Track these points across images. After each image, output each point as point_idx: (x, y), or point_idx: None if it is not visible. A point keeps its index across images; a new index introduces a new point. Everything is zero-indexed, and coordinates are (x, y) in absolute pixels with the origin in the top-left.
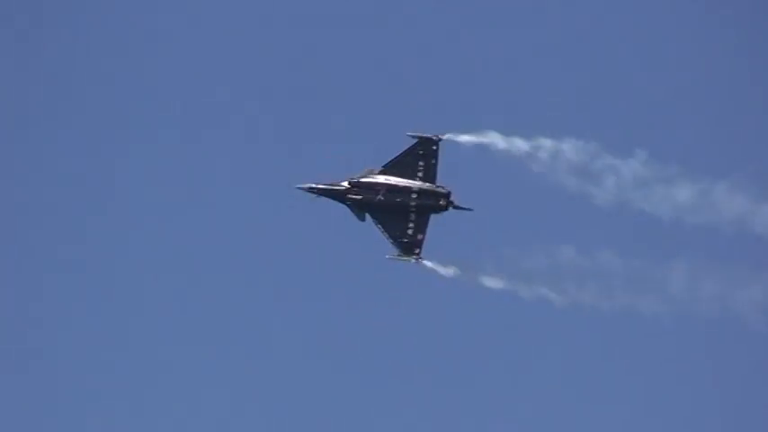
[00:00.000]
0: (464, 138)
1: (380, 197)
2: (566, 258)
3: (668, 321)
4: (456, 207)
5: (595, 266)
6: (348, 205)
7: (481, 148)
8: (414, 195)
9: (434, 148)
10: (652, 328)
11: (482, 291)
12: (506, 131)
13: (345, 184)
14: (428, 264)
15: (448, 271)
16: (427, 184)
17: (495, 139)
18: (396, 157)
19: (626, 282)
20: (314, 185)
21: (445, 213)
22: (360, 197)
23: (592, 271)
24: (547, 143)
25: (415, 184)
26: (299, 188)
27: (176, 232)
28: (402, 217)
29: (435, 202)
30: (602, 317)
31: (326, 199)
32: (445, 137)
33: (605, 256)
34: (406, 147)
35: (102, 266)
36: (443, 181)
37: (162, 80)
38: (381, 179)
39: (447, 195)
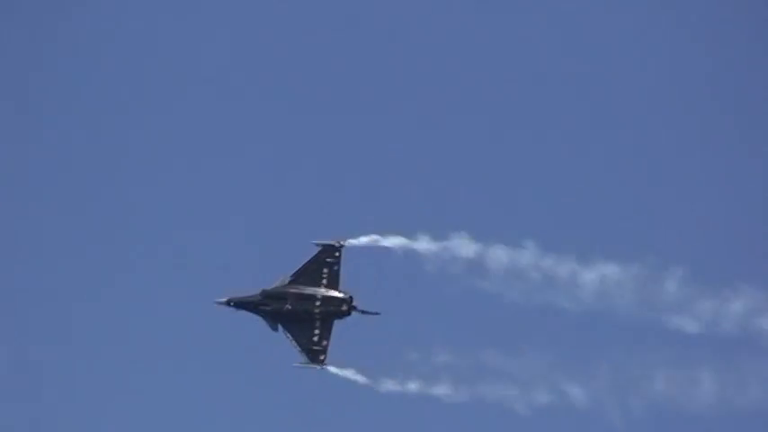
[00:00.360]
0: (364, 240)
1: (288, 306)
2: (473, 358)
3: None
4: (362, 311)
5: (500, 365)
6: (262, 316)
7: (384, 251)
8: (317, 302)
9: (337, 254)
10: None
11: (387, 394)
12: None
13: (258, 295)
14: (333, 370)
15: (354, 376)
16: (330, 290)
17: (395, 242)
18: (303, 265)
19: (532, 377)
20: (230, 299)
21: (354, 318)
22: (270, 307)
23: (499, 370)
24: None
25: (319, 291)
26: (217, 302)
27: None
28: (308, 324)
29: (338, 307)
30: (513, 415)
31: (243, 311)
32: (346, 242)
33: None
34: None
35: None
36: (351, 286)
37: None
38: (291, 288)
39: (349, 301)
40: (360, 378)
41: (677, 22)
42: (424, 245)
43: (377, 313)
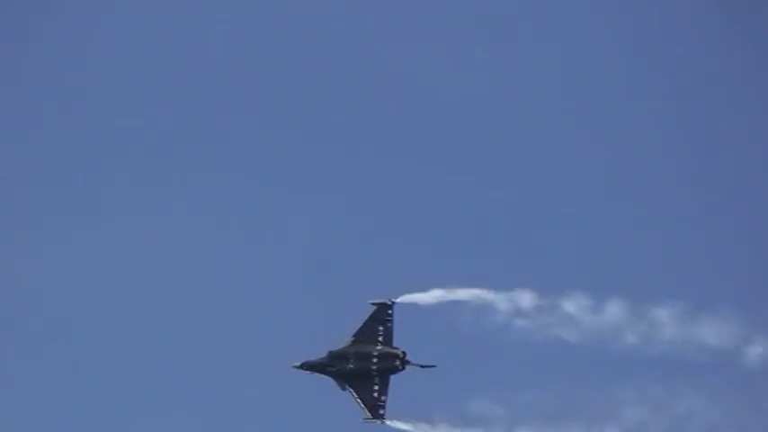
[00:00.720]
0: (417, 297)
1: (350, 365)
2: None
3: None
4: (419, 365)
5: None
6: (330, 376)
7: (437, 305)
8: (374, 360)
9: (389, 311)
10: None
11: None
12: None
13: (326, 357)
14: (394, 423)
15: (415, 428)
16: (385, 347)
17: (442, 295)
18: (362, 324)
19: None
20: (303, 363)
21: (410, 372)
22: (335, 368)
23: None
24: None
25: (376, 348)
26: (294, 366)
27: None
28: (368, 381)
29: (392, 363)
30: None
31: (316, 373)
32: (398, 300)
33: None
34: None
35: None
36: (408, 340)
37: None
38: (352, 348)
39: (402, 356)
40: (420, 429)
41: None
42: (464, 295)
43: (433, 366)
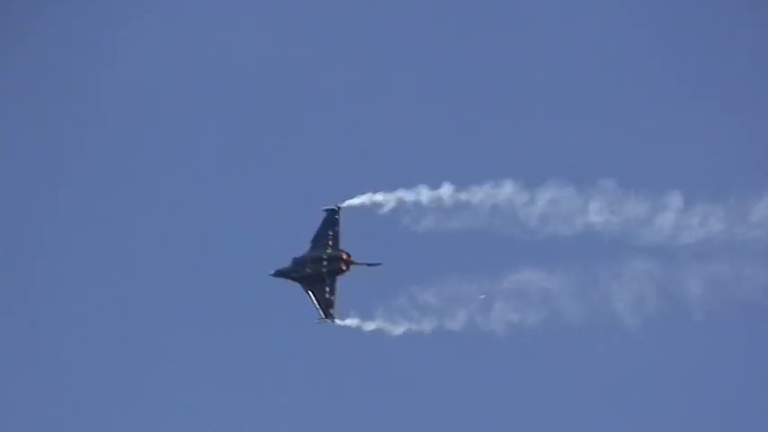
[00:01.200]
0: (359, 200)
1: (308, 269)
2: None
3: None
4: (364, 264)
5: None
6: (295, 281)
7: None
8: (324, 263)
9: (336, 216)
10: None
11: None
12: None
13: (290, 264)
14: (344, 322)
15: (362, 325)
16: (334, 250)
17: (387, 198)
18: (317, 230)
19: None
20: (276, 271)
21: (360, 271)
22: (297, 274)
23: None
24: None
25: (326, 252)
26: (270, 275)
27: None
28: (322, 283)
29: (338, 265)
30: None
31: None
32: (344, 204)
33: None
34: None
35: None
36: (359, 242)
37: None
38: (309, 253)
39: (346, 258)
40: (370, 325)
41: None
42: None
43: (378, 263)
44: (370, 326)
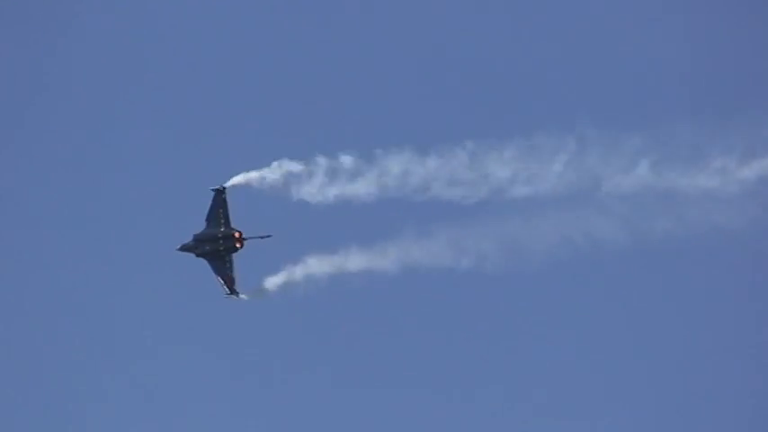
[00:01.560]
0: (238, 179)
1: (207, 247)
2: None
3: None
4: (257, 237)
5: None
6: (200, 257)
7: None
8: (220, 241)
9: (223, 196)
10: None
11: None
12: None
13: (191, 241)
14: (247, 296)
15: (255, 298)
16: (226, 228)
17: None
18: (209, 209)
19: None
20: (181, 246)
21: (253, 244)
22: (198, 250)
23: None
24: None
25: (219, 230)
26: (177, 250)
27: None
28: (222, 261)
29: (232, 243)
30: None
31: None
32: (228, 184)
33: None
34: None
35: None
36: (252, 217)
37: None
38: (206, 231)
39: (238, 236)
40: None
41: None
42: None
43: (268, 236)
44: (275, 281)
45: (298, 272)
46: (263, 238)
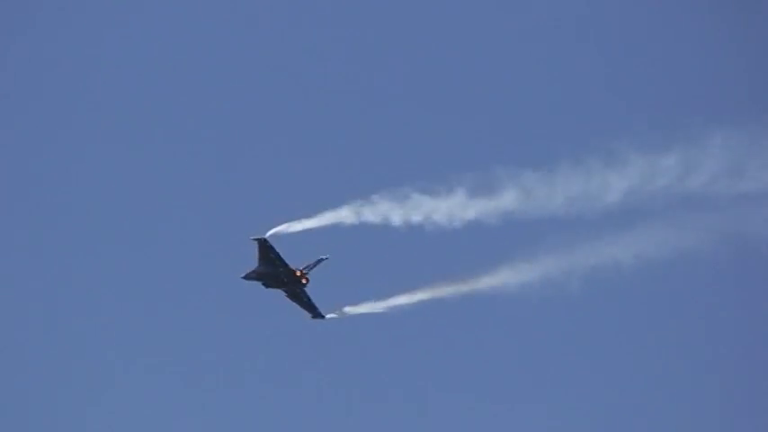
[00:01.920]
0: (276, 230)
1: (274, 283)
2: None
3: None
4: (312, 265)
5: None
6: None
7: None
8: (284, 280)
9: (267, 244)
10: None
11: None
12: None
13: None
14: (331, 315)
15: (341, 314)
16: (286, 268)
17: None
18: (259, 258)
19: None
20: (246, 274)
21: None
22: (264, 282)
23: None
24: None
25: (279, 270)
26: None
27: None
28: (295, 296)
29: (298, 280)
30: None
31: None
32: (267, 235)
33: None
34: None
35: None
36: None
37: None
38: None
39: (300, 274)
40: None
41: None
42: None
43: (326, 257)
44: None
45: (380, 304)
46: (322, 261)
